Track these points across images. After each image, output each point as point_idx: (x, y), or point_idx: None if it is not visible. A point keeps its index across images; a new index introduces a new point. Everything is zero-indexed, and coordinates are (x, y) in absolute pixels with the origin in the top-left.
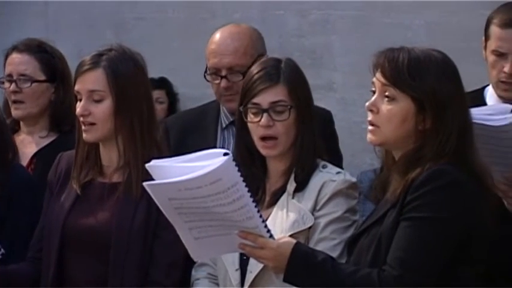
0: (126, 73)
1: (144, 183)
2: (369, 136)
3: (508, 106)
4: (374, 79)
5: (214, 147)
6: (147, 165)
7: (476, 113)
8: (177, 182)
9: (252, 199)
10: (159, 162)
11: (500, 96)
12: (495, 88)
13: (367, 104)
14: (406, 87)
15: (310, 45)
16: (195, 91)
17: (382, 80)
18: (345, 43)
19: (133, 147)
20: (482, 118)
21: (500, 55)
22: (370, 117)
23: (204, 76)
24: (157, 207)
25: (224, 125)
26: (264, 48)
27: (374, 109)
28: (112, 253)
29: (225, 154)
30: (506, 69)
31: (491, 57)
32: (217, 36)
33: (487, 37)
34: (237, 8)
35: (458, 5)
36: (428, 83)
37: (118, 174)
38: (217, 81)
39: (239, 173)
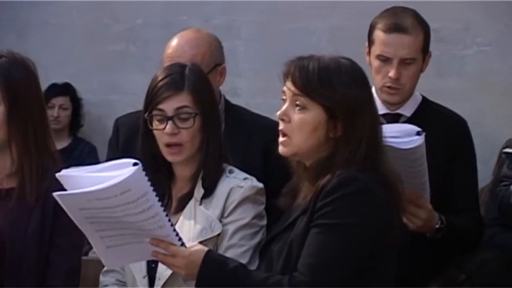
0: (18, 79)
1: (54, 194)
2: (281, 148)
3: (414, 128)
4: (284, 88)
5: None
6: (57, 174)
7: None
8: (86, 192)
9: (162, 208)
10: (70, 172)
11: (384, 101)
12: (379, 93)
13: (278, 113)
14: (317, 96)
15: None
16: (97, 96)
17: (293, 89)
18: (249, 48)
19: (28, 154)
20: (389, 141)
21: (385, 60)
22: (281, 126)
23: None
24: (53, 213)
25: None
26: (222, 57)
27: (285, 118)
28: (7, 260)
29: (135, 164)
30: (391, 74)
31: (375, 63)
32: (175, 40)
33: (370, 42)
34: (140, 13)
35: (360, 9)
36: (339, 91)
37: (10, 180)
38: None
39: (149, 183)
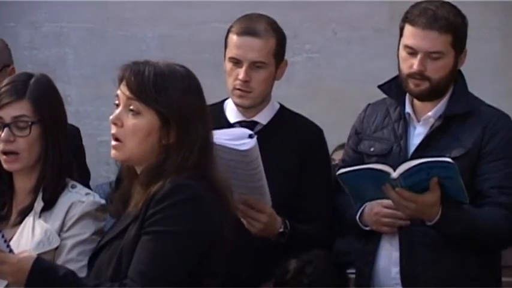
0: None
1: None
2: (113, 152)
3: (245, 131)
4: (118, 92)
5: None
6: None
7: (216, 136)
8: None
9: None
10: None
11: (236, 104)
12: (232, 96)
13: (111, 117)
14: (151, 101)
15: (44, 57)
16: None
17: (128, 93)
18: (78, 56)
19: None
20: (228, 143)
21: (236, 62)
22: (114, 130)
23: None
24: None
25: None
26: (9, 59)
27: (118, 123)
28: None
29: None
30: (240, 76)
31: (228, 65)
32: None
33: (226, 46)
34: None
35: (190, 17)
36: (174, 98)
37: None
38: None
39: None
